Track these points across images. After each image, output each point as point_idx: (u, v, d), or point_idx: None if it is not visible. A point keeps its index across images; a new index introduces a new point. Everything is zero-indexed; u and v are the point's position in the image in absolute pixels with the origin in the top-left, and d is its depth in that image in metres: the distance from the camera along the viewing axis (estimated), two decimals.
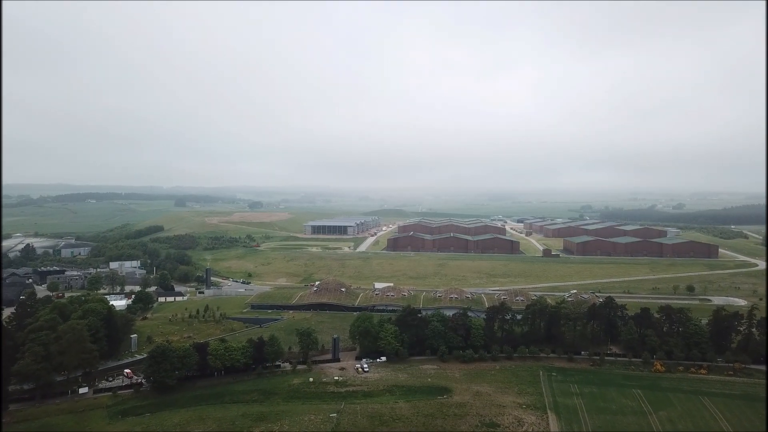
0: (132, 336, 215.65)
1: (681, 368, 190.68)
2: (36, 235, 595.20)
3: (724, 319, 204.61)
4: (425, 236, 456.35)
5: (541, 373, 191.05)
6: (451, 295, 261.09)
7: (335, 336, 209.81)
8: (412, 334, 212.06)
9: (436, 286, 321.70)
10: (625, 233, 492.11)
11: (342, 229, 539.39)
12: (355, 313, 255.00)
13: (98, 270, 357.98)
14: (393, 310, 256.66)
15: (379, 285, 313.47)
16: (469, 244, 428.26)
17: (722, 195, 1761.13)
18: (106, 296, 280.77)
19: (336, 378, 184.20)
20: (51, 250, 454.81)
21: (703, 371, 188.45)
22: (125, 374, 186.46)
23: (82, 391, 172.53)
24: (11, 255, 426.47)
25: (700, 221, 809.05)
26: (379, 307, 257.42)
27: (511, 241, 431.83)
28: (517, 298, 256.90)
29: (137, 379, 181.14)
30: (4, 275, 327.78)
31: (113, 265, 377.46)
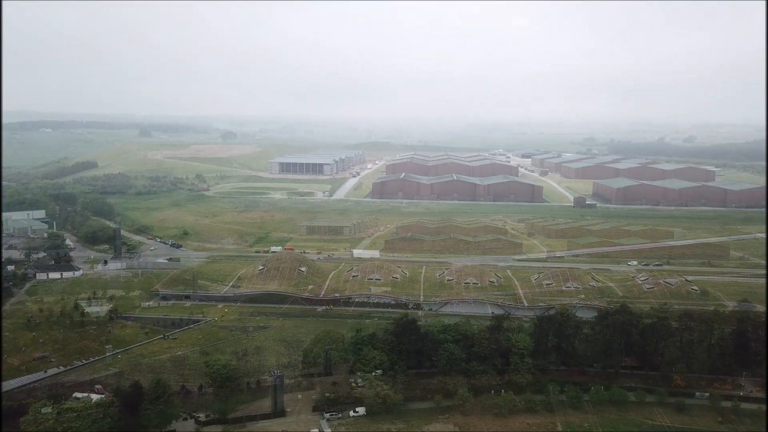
0: None
1: None
2: None
3: None
4: (420, 179, 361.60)
5: None
6: (467, 279, 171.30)
7: (276, 373, 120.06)
8: (409, 364, 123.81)
9: (439, 253, 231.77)
10: (665, 174, 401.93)
11: (317, 168, 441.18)
12: (319, 309, 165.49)
13: None
14: (379, 304, 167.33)
15: (359, 252, 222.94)
16: (477, 189, 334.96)
17: (727, 127, 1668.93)
18: None
19: None
20: None
21: None
22: None
23: None
24: None
25: (720, 156, 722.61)
26: (357, 299, 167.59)
27: (532, 185, 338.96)
28: (568, 285, 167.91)
29: None
30: None
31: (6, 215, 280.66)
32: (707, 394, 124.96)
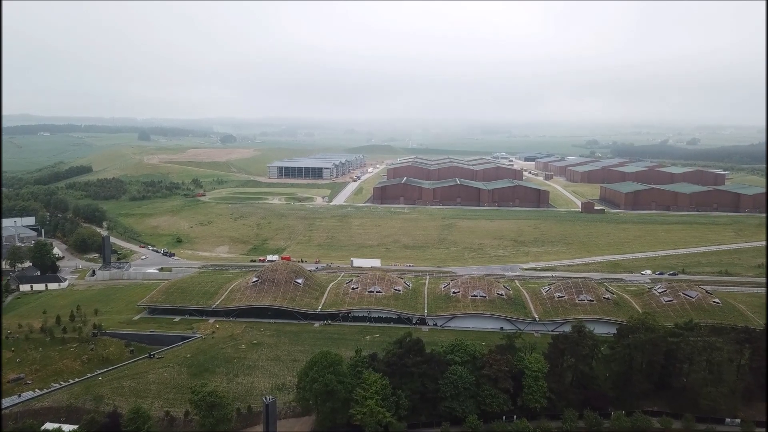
0: None
1: None
2: None
3: None
4: (423, 183, 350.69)
5: None
6: (474, 292, 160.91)
7: (268, 398, 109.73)
8: (414, 388, 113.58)
9: (443, 262, 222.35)
10: (673, 177, 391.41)
11: (317, 172, 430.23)
12: (316, 325, 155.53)
13: None
14: (380, 319, 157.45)
15: (359, 262, 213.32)
16: (481, 194, 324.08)
17: (729, 129, 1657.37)
18: None
19: None
20: None
21: None
22: None
23: None
24: None
25: (725, 159, 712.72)
26: (357, 314, 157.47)
27: (539, 190, 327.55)
28: (581, 298, 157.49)
29: None
30: None
31: None
32: (738, 420, 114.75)
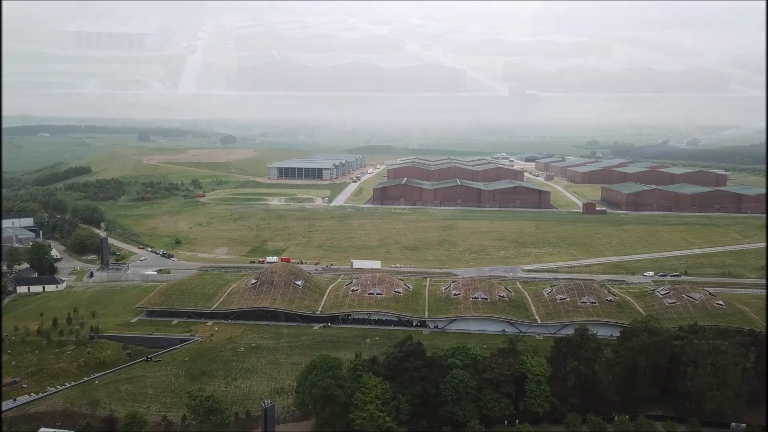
0: None
1: None
2: None
3: None
4: (423, 184, 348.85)
5: None
6: (475, 294, 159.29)
7: (267, 403, 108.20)
8: (414, 392, 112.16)
9: (444, 263, 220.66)
10: (674, 178, 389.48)
11: (317, 173, 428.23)
12: (316, 327, 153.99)
13: None
14: (380, 321, 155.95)
15: (359, 263, 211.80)
16: (482, 195, 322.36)
17: (730, 129, 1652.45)
18: None
19: None
20: None
21: None
22: None
23: None
24: None
25: (726, 159, 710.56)
26: (357, 316, 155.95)
27: (540, 191, 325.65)
28: (584, 300, 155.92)
29: None
30: None
31: None
32: (744, 425, 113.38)
